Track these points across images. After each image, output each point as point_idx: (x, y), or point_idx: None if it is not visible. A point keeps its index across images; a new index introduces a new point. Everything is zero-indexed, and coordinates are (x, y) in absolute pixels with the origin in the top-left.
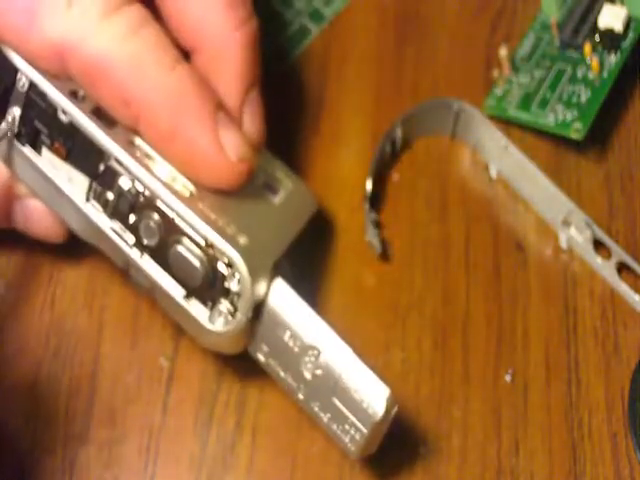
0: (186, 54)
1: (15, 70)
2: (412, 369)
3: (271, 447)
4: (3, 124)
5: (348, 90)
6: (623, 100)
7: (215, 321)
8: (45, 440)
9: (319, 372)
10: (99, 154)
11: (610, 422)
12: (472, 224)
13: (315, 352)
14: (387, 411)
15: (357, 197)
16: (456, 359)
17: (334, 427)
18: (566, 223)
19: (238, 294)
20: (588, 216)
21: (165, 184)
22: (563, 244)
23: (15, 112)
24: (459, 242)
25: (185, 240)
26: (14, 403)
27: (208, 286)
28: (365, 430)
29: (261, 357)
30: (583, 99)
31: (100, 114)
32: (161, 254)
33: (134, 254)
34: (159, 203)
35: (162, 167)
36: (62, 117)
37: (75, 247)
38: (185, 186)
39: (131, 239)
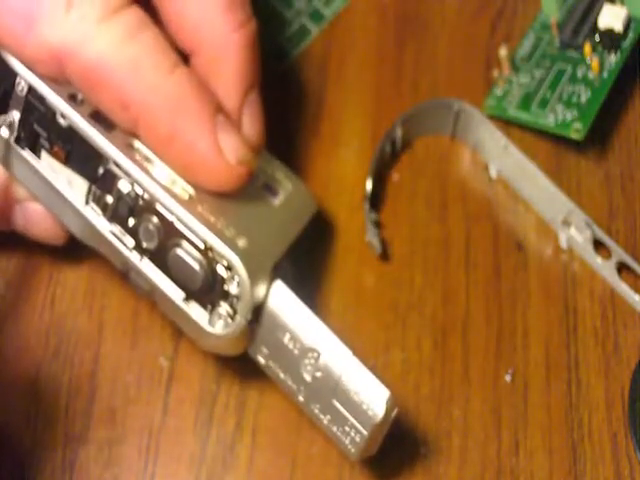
0: (185, 57)
1: (14, 74)
2: (412, 369)
3: (271, 447)
4: (3, 127)
5: (348, 90)
6: (623, 100)
7: (215, 324)
8: (45, 440)
9: (319, 374)
10: (98, 157)
11: (610, 422)
12: (472, 224)
13: (315, 354)
14: (387, 413)
15: (357, 197)
16: (456, 359)
17: (334, 429)
18: (566, 223)
19: (237, 297)
20: (588, 216)
21: (164, 187)
22: (563, 244)
23: (14, 116)
24: (459, 242)
25: (184, 243)
26: (14, 403)
27: (208, 289)
28: (365, 432)
29: (261, 359)
30: (583, 99)
31: (99, 117)
32: (160, 257)
33: (133, 257)
34: (158, 206)
35: (161, 170)
36: (61, 121)
37: (75, 248)
38: (184, 189)
39: (130, 242)
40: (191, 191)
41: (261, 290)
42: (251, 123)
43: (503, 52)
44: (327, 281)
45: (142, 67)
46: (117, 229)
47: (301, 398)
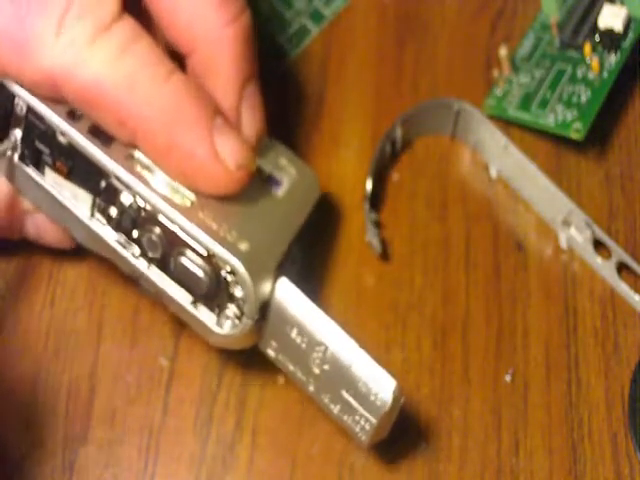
0: (181, 60)
1: (13, 95)
2: (412, 369)
3: (271, 447)
4: (6, 144)
5: (348, 90)
6: (623, 100)
7: (223, 325)
8: (45, 440)
9: (327, 367)
10: (99, 172)
11: (610, 422)
12: (472, 224)
13: (322, 348)
14: (394, 402)
15: (357, 197)
16: (456, 359)
17: (345, 418)
18: (566, 223)
19: (243, 299)
20: (588, 216)
21: (165, 198)
22: (563, 244)
23: (17, 134)
24: (459, 242)
25: (188, 251)
26: (14, 403)
27: (214, 293)
28: (374, 420)
29: (271, 352)
30: (583, 99)
31: (98, 132)
32: (166, 264)
33: (140, 265)
34: (160, 217)
35: (162, 179)
36: (61, 138)
37: (75, 247)
38: (186, 196)
39: (137, 251)
40: (192, 197)
41: (266, 290)
42: (251, 115)
43: (503, 52)
44: (327, 281)
45: (137, 81)
46: (123, 239)
47: (312, 389)
